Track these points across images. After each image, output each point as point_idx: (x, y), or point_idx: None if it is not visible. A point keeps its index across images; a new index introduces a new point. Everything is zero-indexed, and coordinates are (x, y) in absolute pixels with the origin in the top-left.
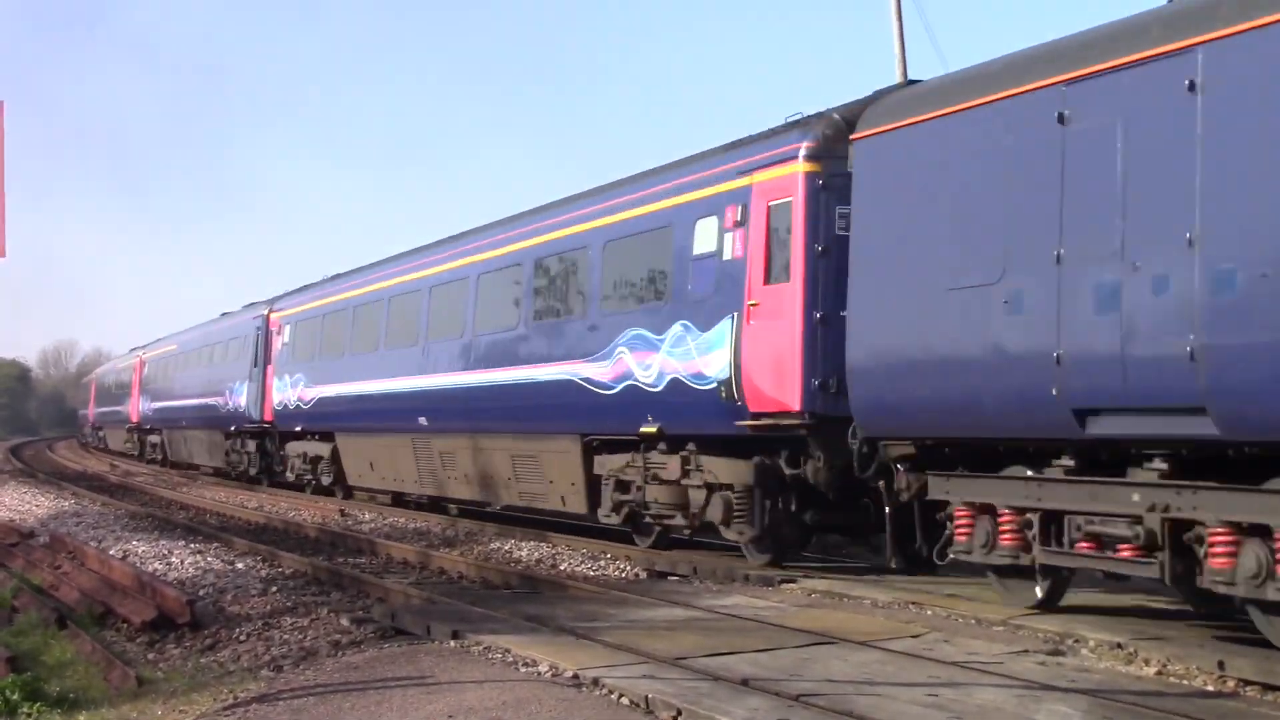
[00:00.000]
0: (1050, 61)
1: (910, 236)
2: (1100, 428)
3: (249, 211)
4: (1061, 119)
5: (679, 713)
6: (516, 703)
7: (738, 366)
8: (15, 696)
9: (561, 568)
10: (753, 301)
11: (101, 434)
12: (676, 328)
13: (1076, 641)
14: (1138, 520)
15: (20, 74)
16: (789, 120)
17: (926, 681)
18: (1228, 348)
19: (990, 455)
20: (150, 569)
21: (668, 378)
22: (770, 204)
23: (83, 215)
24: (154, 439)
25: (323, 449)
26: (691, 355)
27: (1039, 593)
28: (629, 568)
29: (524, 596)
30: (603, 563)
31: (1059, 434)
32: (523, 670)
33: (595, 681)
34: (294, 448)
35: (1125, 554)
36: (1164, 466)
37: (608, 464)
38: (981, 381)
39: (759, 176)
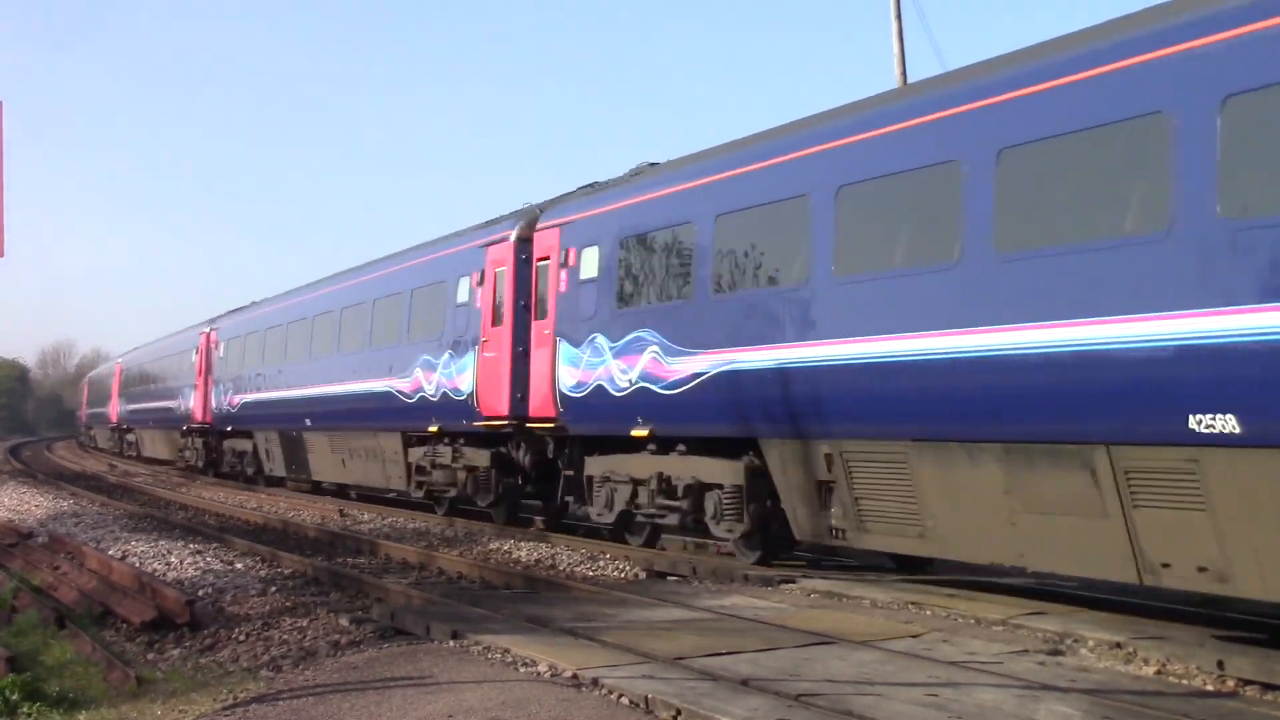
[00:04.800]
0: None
1: None
2: None
3: (250, 212)
4: None
5: (679, 713)
6: (516, 703)
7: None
8: (15, 696)
9: (561, 568)
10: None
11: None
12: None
13: (1076, 641)
14: None
15: (21, 74)
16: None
17: (926, 681)
18: None
19: None
20: (149, 569)
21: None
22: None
23: (83, 215)
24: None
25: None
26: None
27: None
28: (628, 568)
29: (523, 596)
30: (602, 563)
31: None
32: (522, 670)
33: (595, 681)
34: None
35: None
36: None
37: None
38: None
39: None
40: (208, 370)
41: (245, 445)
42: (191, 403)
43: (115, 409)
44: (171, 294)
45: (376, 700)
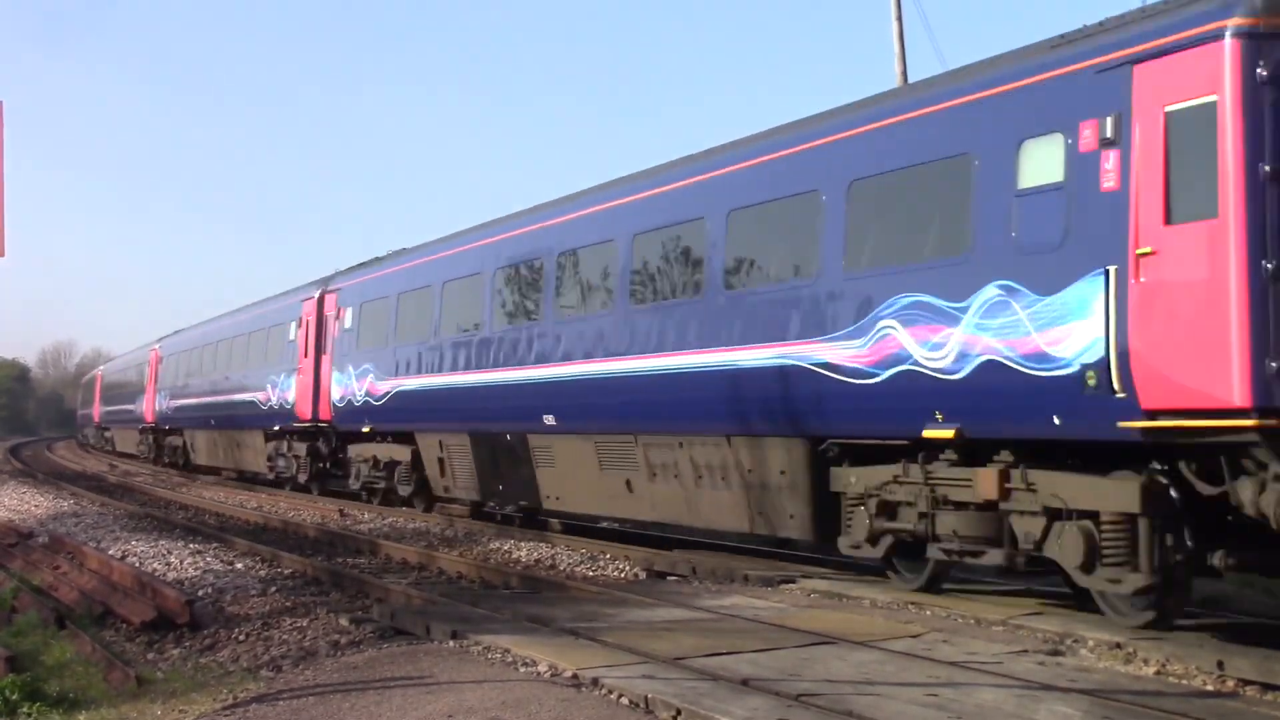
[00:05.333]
0: None
1: None
2: None
3: (250, 212)
4: None
5: (678, 713)
6: (516, 703)
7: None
8: (15, 696)
9: (561, 568)
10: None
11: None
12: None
13: (1076, 641)
14: None
15: (22, 74)
16: None
17: (926, 681)
18: None
19: None
20: (149, 569)
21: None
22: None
23: (83, 215)
24: None
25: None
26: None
27: None
28: (628, 568)
29: (523, 596)
30: (602, 563)
31: None
32: (522, 670)
33: (595, 681)
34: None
35: None
36: None
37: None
38: None
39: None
40: (319, 349)
41: (395, 453)
42: (290, 394)
43: (150, 406)
44: (173, 294)
45: (376, 700)
